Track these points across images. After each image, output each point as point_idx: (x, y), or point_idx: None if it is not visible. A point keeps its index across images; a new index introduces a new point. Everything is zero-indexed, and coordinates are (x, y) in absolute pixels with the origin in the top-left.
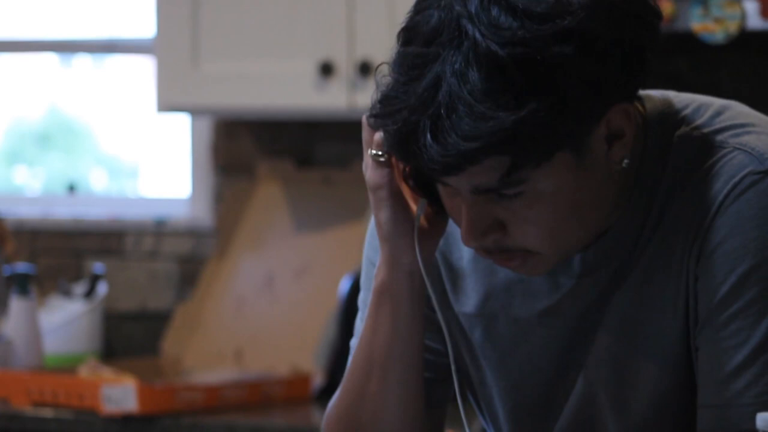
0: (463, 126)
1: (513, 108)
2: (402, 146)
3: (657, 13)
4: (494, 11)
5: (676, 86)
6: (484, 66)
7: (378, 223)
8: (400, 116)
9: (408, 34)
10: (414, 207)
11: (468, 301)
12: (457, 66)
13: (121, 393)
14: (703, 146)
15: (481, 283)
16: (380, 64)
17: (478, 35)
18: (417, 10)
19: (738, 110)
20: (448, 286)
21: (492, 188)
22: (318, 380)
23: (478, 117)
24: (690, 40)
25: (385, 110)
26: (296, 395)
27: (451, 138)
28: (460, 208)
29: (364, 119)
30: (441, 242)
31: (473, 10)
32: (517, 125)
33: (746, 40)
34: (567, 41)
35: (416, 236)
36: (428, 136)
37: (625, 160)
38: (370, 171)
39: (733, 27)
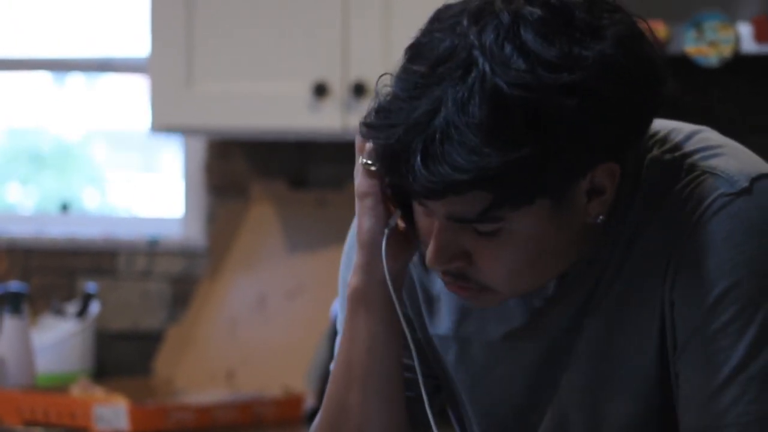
0: (454, 156)
1: (507, 148)
2: (390, 162)
3: (665, 83)
4: (507, 49)
5: (669, 109)
6: (487, 101)
7: (360, 230)
8: (393, 133)
9: (415, 52)
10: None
11: (442, 324)
12: (459, 95)
13: (112, 413)
14: (673, 169)
15: (456, 306)
16: (383, 75)
17: (487, 69)
18: (429, 30)
19: (707, 135)
20: (424, 309)
21: (467, 220)
22: (310, 401)
23: (471, 150)
24: (684, 63)
25: (379, 122)
26: (288, 416)
27: (440, 165)
28: (431, 229)
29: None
30: (417, 266)
31: (487, 44)
32: (507, 165)
33: (740, 64)
34: (572, 94)
35: (384, 246)
36: (418, 158)
37: (601, 217)
38: (359, 178)
39: (727, 50)
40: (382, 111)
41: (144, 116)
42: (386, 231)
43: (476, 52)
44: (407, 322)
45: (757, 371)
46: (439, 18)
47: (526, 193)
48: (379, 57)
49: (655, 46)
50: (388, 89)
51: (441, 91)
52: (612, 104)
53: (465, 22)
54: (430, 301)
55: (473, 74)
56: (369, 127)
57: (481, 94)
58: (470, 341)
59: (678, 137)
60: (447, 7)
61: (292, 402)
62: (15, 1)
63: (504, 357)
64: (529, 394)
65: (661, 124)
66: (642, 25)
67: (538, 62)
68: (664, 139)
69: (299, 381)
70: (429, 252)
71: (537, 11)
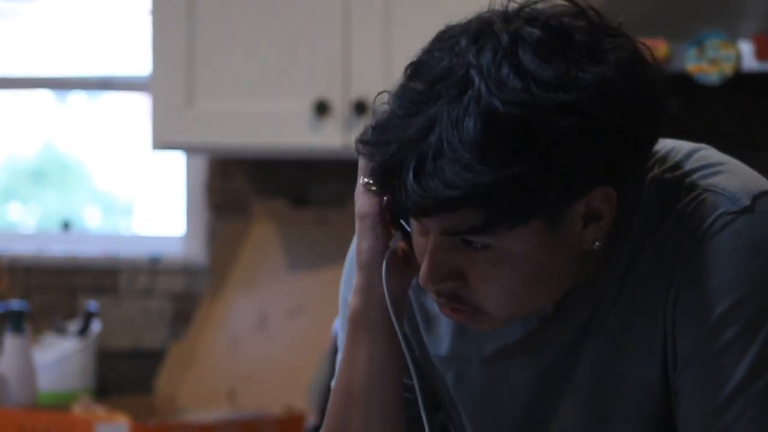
0: (446, 172)
1: (498, 166)
2: (384, 179)
3: (666, 110)
4: (504, 69)
5: (670, 127)
6: (481, 118)
7: (359, 251)
8: (388, 149)
9: (414, 70)
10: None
11: (440, 344)
12: (455, 112)
13: (114, 431)
14: (674, 188)
15: (454, 326)
16: (381, 92)
17: (483, 88)
18: (429, 50)
19: (707, 153)
20: (423, 330)
21: (460, 232)
22: (311, 420)
23: (463, 166)
24: (685, 81)
25: (375, 139)
26: None
27: (432, 182)
28: (425, 248)
29: None
30: (416, 288)
31: (484, 64)
32: (498, 184)
33: (741, 82)
34: (568, 114)
35: (384, 269)
36: (411, 174)
37: (597, 243)
38: (360, 198)
39: (728, 68)
40: (378, 128)
41: (145, 134)
42: (387, 253)
43: (473, 72)
44: (407, 343)
45: (759, 391)
46: (440, 38)
47: (519, 212)
48: (380, 75)
49: (657, 72)
50: (386, 107)
51: (437, 108)
52: (608, 127)
53: (464, 42)
54: (429, 321)
55: (469, 93)
56: (364, 144)
57: (475, 112)
58: (469, 361)
59: (678, 156)
60: (449, 28)
61: (293, 420)
62: (16, 20)
63: (503, 376)
64: (529, 414)
65: (660, 143)
66: (644, 51)
67: (535, 82)
68: (664, 158)
69: (300, 399)
70: (422, 270)
71: (536, 32)
